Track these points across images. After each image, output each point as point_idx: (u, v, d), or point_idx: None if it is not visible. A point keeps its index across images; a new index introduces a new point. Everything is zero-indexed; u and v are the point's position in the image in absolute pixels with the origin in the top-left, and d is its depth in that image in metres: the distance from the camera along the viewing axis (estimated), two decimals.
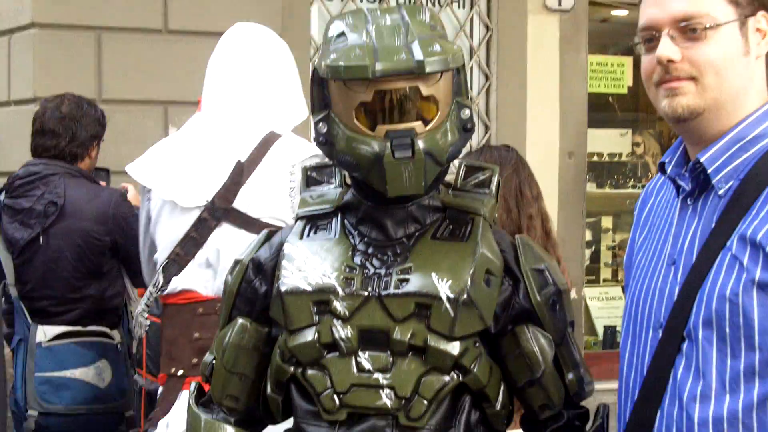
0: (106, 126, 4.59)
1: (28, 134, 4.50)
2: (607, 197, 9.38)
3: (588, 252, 9.19)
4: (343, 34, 2.23)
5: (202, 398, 2.54)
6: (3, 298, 4.46)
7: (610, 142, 9.39)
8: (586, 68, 8.90)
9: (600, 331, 9.10)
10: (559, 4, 8.64)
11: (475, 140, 8.62)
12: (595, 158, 9.27)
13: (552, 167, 8.65)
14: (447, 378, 2.22)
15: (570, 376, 2.33)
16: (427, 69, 2.13)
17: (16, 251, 4.33)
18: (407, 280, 2.22)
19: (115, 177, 5.01)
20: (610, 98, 9.33)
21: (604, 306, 9.15)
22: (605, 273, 9.39)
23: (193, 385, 2.58)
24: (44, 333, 4.27)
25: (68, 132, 4.40)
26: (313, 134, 2.30)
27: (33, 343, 4.25)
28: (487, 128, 8.72)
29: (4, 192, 4.43)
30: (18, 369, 4.30)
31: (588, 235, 9.15)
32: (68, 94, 4.54)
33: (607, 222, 9.47)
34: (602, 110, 9.22)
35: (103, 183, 4.63)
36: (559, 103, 8.72)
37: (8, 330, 4.46)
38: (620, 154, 9.50)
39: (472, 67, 8.68)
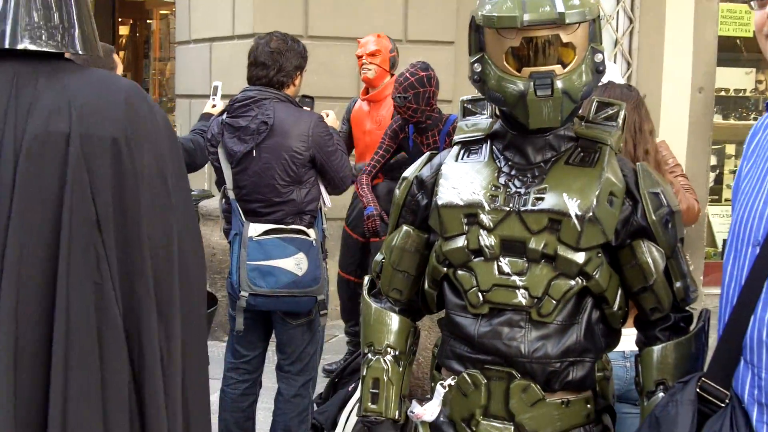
0: (307, 58, 4.57)
1: (246, 64, 4.55)
2: (731, 127, 9.08)
3: (712, 175, 8.96)
4: None
5: (373, 290, 2.59)
6: (224, 200, 4.56)
7: (736, 79, 9.07)
8: (717, 14, 8.61)
9: (720, 243, 8.89)
10: None
11: (620, 75, 8.43)
12: (722, 93, 8.98)
13: (684, 100, 8.43)
14: (573, 282, 2.20)
15: (678, 284, 2.29)
16: (567, 20, 2.11)
17: (234, 162, 4.39)
18: (543, 199, 2.20)
19: (318, 102, 5.06)
20: (737, 41, 8.98)
21: (724, 222, 8.92)
22: (727, 194, 9.12)
23: (366, 278, 2.62)
24: (255, 229, 4.31)
25: (276, 64, 4.40)
26: (468, 73, 2.28)
27: (246, 237, 4.31)
28: (629, 65, 8.53)
29: (226, 112, 4.49)
30: (234, 258, 4.38)
31: (713, 160, 8.92)
32: (276, 32, 4.54)
33: (730, 149, 9.17)
34: (730, 51, 8.90)
35: (307, 108, 4.65)
36: (692, 44, 8.47)
37: (227, 226, 4.56)
38: (744, 90, 9.17)
39: (618, 12, 8.49)
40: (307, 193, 4.40)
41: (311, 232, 4.38)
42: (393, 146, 5.51)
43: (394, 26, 7.67)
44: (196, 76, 8.34)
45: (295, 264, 4.30)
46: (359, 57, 6.10)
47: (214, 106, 4.87)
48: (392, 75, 6.10)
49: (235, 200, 4.42)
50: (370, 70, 6.03)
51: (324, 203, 4.55)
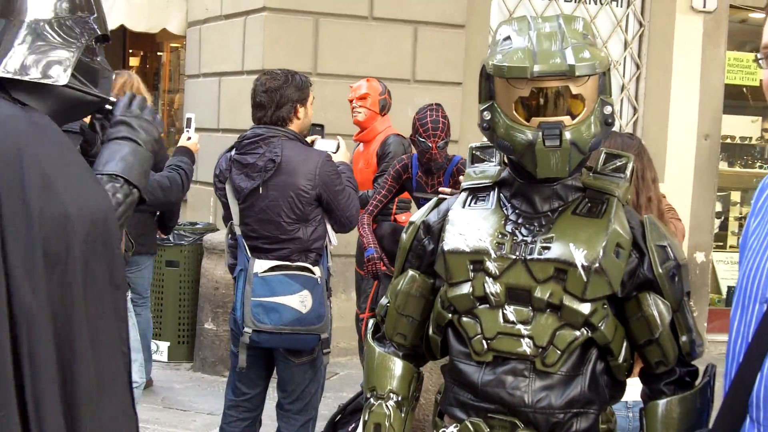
0: (307, 89, 4.51)
1: None
2: (737, 175, 9.11)
3: (717, 222, 8.97)
4: (509, 38, 2.22)
5: (377, 334, 2.58)
6: (230, 235, 4.56)
7: (742, 126, 9.11)
8: (724, 62, 8.66)
9: (724, 290, 8.87)
10: (704, 5, 8.45)
11: (625, 121, 8.47)
12: (728, 140, 9.00)
13: (689, 147, 8.46)
14: (578, 333, 2.20)
15: (684, 338, 2.28)
16: (577, 72, 2.12)
17: (241, 198, 4.40)
18: (549, 248, 2.21)
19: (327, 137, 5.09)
20: (744, 89, 9.02)
21: (729, 269, 8.91)
22: (732, 240, 9.12)
23: (371, 322, 2.62)
24: (260, 265, 4.30)
25: (272, 102, 4.39)
26: (478, 120, 2.29)
27: (251, 273, 4.30)
28: (635, 111, 8.56)
29: (234, 149, 4.49)
30: (238, 294, 4.37)
31: (718, 207, 8.93)
32: (272, 70, 4.53)
33: (735, 196, 9.19)
34: (736, 99, 8.94)
35: (318, 136, 4.66)
36: (698, 91, 8.52)
37: (232, 261, 4.56)
38: (750, 138, 9.21)
39: (625, 58, 8.53)
40: (313, 231, 4.39)
41: (316, 269, 4.37)
42: (396, 186, 5.53)
43: (402, 66, 7.71)
44: (204, 110, 8.37)
45: (300, 301, 4.29)
46: (350, 101, 6.34)
47: (188, 138, 4.77)
48: (383, 116, 6.28)
49: (242, 236, 4.42)
50: (360, 113, 6.28)
51: (330, 241, 4.54)
